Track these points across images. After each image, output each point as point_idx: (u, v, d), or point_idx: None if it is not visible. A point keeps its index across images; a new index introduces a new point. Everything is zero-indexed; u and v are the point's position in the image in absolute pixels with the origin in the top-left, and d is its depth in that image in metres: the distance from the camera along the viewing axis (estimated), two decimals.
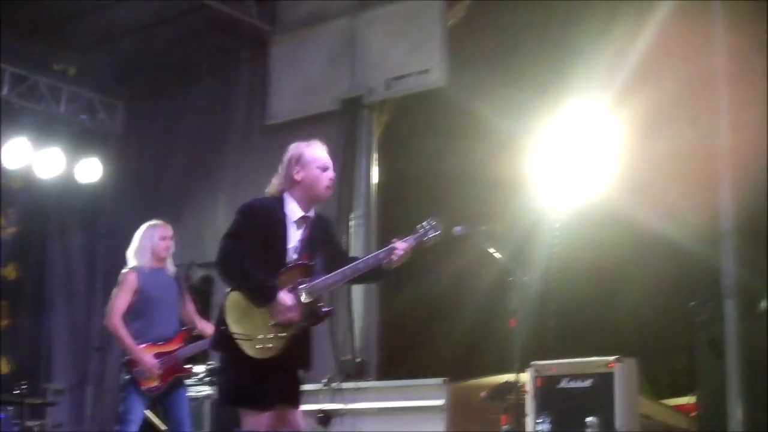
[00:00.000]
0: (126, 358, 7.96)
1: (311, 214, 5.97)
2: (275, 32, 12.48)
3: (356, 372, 10.62)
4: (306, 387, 9.70)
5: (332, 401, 9.58)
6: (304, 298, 5.76)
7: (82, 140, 13.47)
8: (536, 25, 10.46)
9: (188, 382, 8.60)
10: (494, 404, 8.17)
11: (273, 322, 5.69)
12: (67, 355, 13.39)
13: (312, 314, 5.83)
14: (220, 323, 5.84)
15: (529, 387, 8.34)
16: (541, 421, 8.19)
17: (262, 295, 5.72)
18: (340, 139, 11.55)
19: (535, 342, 9.13)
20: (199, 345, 8.18)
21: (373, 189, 11.52)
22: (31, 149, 12.60)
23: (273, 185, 6.00)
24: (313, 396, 9.38)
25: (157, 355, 7.91)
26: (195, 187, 12.86)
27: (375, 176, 11.55)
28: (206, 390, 9.74)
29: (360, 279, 6.16)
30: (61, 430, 11.57)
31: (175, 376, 7.99)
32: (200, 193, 12.80)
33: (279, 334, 5.69)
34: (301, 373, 6.08)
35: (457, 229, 8.17)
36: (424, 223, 6.05)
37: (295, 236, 5.89)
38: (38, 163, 12.80)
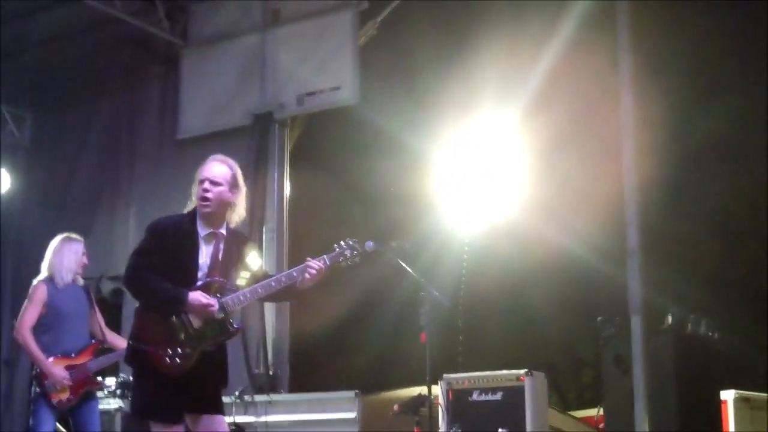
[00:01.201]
0: (36, 371, 7.88)
1: (222, 230, 5.93)
2: (186, 47, 12.45)
3: (268, 385, 10.62)
4: None
5: (245, 414, 9.58)
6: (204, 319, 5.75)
7: None
8: (443, 45, 10.61)
9: (99, 395, 8.52)
10: (407, 417, 8.20)
11: (191, 328, 5.69)
12: None
13: (222, 331, 5.81)
14: (131, 338, 5.85)
15: (440, 400, 8.43)
16: None
17: (172, 303, 5.70)
18: (250, 153, 11.55)
19: (446, 356, 9.23)
20: (109, 357, 8.14)
21: (285, 203, 11.53)
22: None
23: (191, 202, 5.98)
24: (226, 409, 9.31)
25: (67, 368, 7.83)
26: (104, 199, 12.76)
27: (287, 190, 11.56)
28: (117, 403, 9.67)
29: (273, 297, 6.17)
30: None
31: (85, 388, 7.93)
32: (110, 206, 12.72)
33: (188, 350, 5.69)
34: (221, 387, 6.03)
35: (369, 245, 8.23)
36: (342, 243, 6.02)
37: (205, 253, 5.87)
38: None
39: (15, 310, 8.19)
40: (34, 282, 8.08)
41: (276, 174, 11.52)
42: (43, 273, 8.10)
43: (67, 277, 8.08)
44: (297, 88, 11.50)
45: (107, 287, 11.81)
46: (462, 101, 10.12)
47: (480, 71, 10.05)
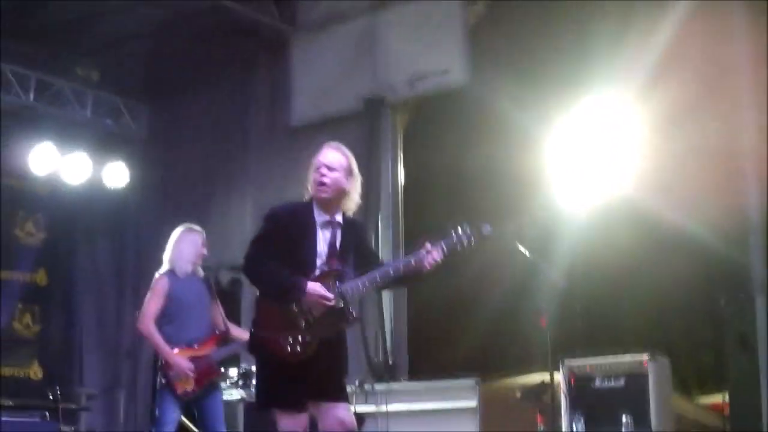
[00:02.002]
0: (160, 361, 7.98)
1: (338, 218, 5.93)
2: (295, 33, 12.49)
3: (388, 373, 10.68)
4: None
5: (365, 403, 9.63)
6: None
7: (107, 145, 13.53)
8: (555, 23, 10.46)
9: (222, 385, 8.63)
10: (529, 404, 8.17)
11: (310, 317, 5.71)
12: (98, 359, 13.41)
13: (341, 319, 5.81)
14: (252, 326, 5.90)
15: (562, 386, 8.36)
16: (575, 420, 8.21)
17: (290, 292, 5.70)
18: (362, 139, 11.56)
19: (563, 339, 9.14)
20: (231, 348, 8.23)
21: (400, 189, 11.55)
22: (58, 155, 12.65)
23: (306, 191, 5.98)
24: None
25: (191, 359, 7.92)
26: (219, 189, 12.89)
27: (401, 175, 11.57)
28: (239, 393, 9.77)
29: (390, 285, 6.17)
30: None
31: (209, 379, 8.01)
32: (225, 195, 12.83)
33: (309, 337, 5.70)
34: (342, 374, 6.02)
35: (486, 228, 8.21)
36: (459, 228, 5.92)
37: (322, 240, 5.88)
38: (65, 169, 12.83)
39: (137, 303, 8.29)
40: (157, 274, 8.18)
41: (389, 160, 11.54)
42: (165, 265, 8.21)
43: (187, 268, 8.17)
44: (407, 71, 11.47)
45: (225, 278, 11.90)
46: (574, 79, 9.99)
47: (592, 48, 9.90)
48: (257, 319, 5.87)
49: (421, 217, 11.34)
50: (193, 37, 12.69)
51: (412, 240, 10.99)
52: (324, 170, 5.85)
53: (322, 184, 5.84)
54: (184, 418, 8.69)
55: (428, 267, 5.79)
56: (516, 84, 10.23)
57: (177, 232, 8.32)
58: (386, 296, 10.99)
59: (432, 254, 5.78)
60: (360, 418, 9.44)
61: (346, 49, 12.05)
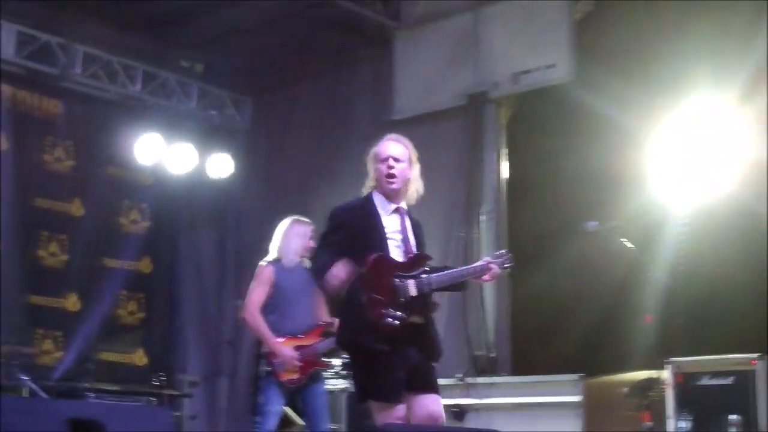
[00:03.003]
0: (264, 350, 8.06)
1: (403, 205, 6.18)
2: (399, 28, 12.51)
3: (490, 367, 10.67)
4: (441, 382, 9.85)
5: (467, 396, 9.64)
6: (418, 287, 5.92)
7: (212, 136, 13.70)
8: (660, 22, 10.37)
9: (324, 375, 8.68)
10: (634, 401, 8.11)
11: (408, 296, 5.86)
12: (200, 347, 13.56)
13: (427, 304, 5.99)
14: (344, 315, 6.14)
15: (668, 384, 8.30)
16: (681, 419, 8.14)
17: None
18: (465, 134, 11.64)
19: (667, 337, 9.08)
20: (334, 340, 8.30)
21: (503, 184, 11.52)
22: (163, 145, 12.84)
23: (365, 186, 6.26)
24: (448, 391, 9.42)
25: (296, 348, 7.98)
26: (322, 181, 12.94)
27: (504, 171, 11.54)
28: (342, 383, 9.84)
29: (448, 287, 6.30)
30: (197, 421, 11.80)
31: (313, 369, 8.05)
32: (327, 188, 12.87)
33: (403, 314, 5.82)
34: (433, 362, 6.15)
35: (590, 224, 8.23)
36: (499, 253, 6.32)
37: (392, 226, 6.07)
38: (170, 159, 13.02)
39: (238, 292, 8.35)
40: (262, 263, 8.24)
41: (493, 154, 11.51)
42: (271, 254, 8.26)
43: (294, 260, 8.22)
44: (511, 66, 11.41)
45: None
46: (678, 78, 9.90)
47: (696, 47, 9.81)
48: (362, 278, 5.94)
49: (524, 212, 11.32)
50: (297, 31, 12.79)
51: (512, 236, 11.08)
52: (392, 161, 6.13)
53: (391, 176, 6.12)
54: (286, 408, 8.80)
55: (488, 279, 6.22)
56: (620, 82, 10.16)
57: (285, 222, 8.38)
58: (489, 291, 10.95)
59: (494, 272, 6.15)
60: (462, 411, 9.47)
61: (450, 44, 12.02)
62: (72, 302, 12.39)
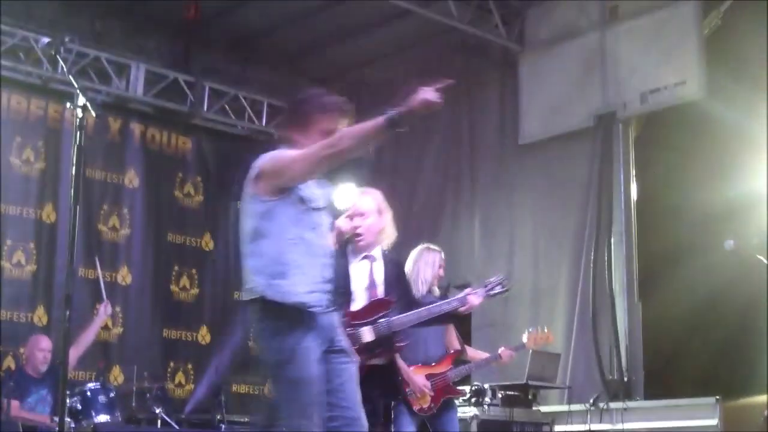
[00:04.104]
0: (399, 378, 8.05)
1: (375, 253, 6.38)
2: (523, 51, 12.47)
3: (623, 391, 10.47)
4: (573, 407, 9.72)
5: (600, 422, 9.49)
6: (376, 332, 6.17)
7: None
8: None
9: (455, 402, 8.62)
10: None
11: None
12: None
13: (389, 348, 6.34)
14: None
15: None
16: None
17: None
18: (594, 155, 11.54)
19: None
20: (467, 368, 8.24)
21: (633, 205, 11.36)
22: None
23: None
24: (580, 417, 9.32)
25: (428, 376, 7.90)
26: (448, 206, 12.94)
27: (634, 192, 11.38)
28: (472, 410, 9.77)
29: (432, 322, 6.62)
30: None
31: (446, 397, 7.96)
32: (453, 212, 12.88)
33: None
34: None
35: (729, 243, 8.05)
36: (493, 279, 6.70)
37: (360, 273, 6.29)
38: None
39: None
40: None
41: (621, 175, 11.35)
42: None
43: (423, 288, 8.16)
44: (639, 85, 11.30)
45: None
46: None
47: None
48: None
49: (654, 232, 11.13)
50: (420, 59, 12.83)
51: (645, 257, 10.90)
52: (357, 220, 6.33)
53: (358, 235, 6.31)
54: None
55: (465, 310, 6.56)
56: (750, 94, 9.97)
57: (416, 250, 8.33)
58: (620, 313, 10.81)
59: (473, 301, 6.51)
60: None
61: (576, 65, 11.95)
62: (203, 335, 12.60)
